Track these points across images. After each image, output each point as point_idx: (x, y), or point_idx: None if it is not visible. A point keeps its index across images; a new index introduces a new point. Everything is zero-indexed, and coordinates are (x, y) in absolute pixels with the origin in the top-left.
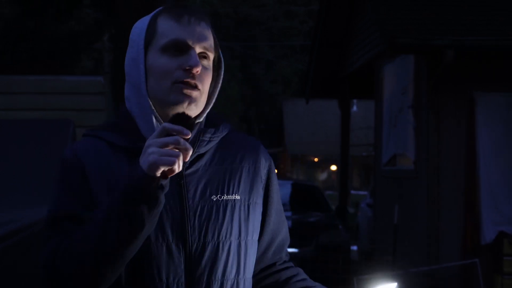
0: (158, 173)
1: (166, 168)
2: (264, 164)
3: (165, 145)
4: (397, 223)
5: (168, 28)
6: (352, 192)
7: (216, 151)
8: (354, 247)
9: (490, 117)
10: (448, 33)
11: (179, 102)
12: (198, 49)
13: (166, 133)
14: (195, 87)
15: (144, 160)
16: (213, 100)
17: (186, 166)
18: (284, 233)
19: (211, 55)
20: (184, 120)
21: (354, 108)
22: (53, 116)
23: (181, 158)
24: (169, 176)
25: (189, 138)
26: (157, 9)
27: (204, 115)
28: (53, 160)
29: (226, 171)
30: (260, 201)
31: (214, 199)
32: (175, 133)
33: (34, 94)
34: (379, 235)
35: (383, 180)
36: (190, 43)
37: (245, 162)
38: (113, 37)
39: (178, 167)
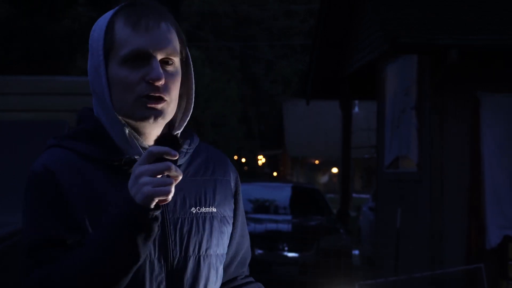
0: (153, 205)
1: (163, 198)
2: (232, 177)
3: (158, 173)
4: (399, 227)
5: (125, 37)
6: (354, 195)
7: (190, 163)
8: (356, 252)
9: (494, 118)
10: (451, 32)
11: (145, 118)
12: (159, 56)
13: (155, 157)
14: (160, 99)
15: (137, 191)
16: (192, 103)
17: None
18: (246, 247)
19: (176, 59)
20: (170, 140)
21: (356, 109)
22: (48, 117)
23: (173, 185)
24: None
25: (177, 160)
26: (114, 9)
27: (185, 123)
28: None
29: (201, 183)
30: (231, 214)
31: (194, 212)
32: (164, 156)
33: (29, 95)
34: (381, 239)
35: (386, 182)
36: (150, 51)
37: (217, 174)
38: None
39: (172, 195)
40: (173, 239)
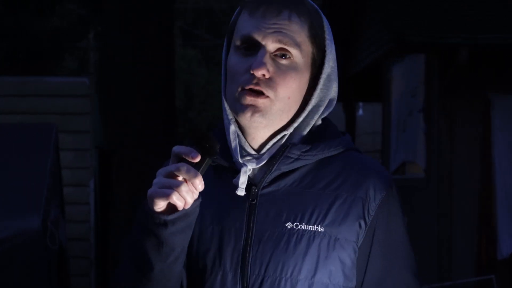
0: (158, 208)
1: (164, 201)
2: (373, 196)
3: (169, 174)
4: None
5: (242, 23)
6: None
7: (310, 172)
8: None
9: (507, 121)
10: (462, 30)
11: (241, 112)
12: (271, 46)
13: (176, 157)
14: (260, 94)
15: None
16: (310, 108)
17: (264, 185)
18: (399, 285)
19: (295, 52)
20: (201, 140)
21: (360, 111)
22: (34, 120)
23: (183, 189)
24: (181, 212)
25: (205, 163)
26: None
27: (294, 125)
28: (34, 168)
29: (314, 196)
30: (353, 239)
31: (289, 227)
32: (183, 157)
33: (14, 97)
34: None
35: None
36: (259, 39)
37: (344, 189)
38: (99, 35)
39: (181, 200)
40: (254, 253)
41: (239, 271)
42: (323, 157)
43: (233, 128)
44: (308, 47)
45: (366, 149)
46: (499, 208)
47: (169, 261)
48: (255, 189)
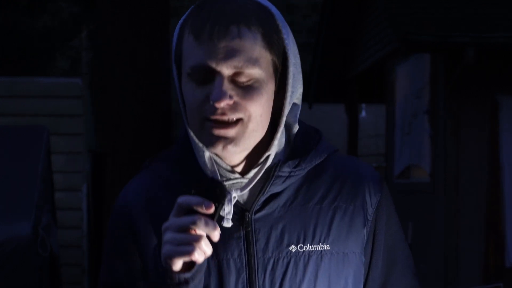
0: (177, 267)
1: (184, 260)
2: (370, 201)
3: (182, 228)
4: (411, 243)
5: (189, 48)
6: None
7: (301, 186)
8: None
9: None
10: (468, 29)
11: (210, 145)
12: (227, 70)
13: (184, 210)
14: (229, 124)
15: (161, 250)
16: (283, 121)
17: (257, 208)
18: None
19: (255, 70)
20: (211, 189)
21: (363, 113)
22: (25, 122)
23: (203, 243)
24: (198, 265)
25: (217, 212)
26: (190, 8)
27: (275, 143)
28: (25, 172)
29: (313, 213)
30: (359, 250)
31: (293, 250)
32: (195, 208)
33: (3, 98)
34: None
35: (395, 194)
36: (212, 66)
37: (341, 200)
38: (92, 34)
39: (202, 255)
40: (261, 284)
41: None
42: (311, 168)
43: (207, 154)
44: (266, 57)
45: (369, 152)
46: (508, 213)
47: None
48: (248, 215)
